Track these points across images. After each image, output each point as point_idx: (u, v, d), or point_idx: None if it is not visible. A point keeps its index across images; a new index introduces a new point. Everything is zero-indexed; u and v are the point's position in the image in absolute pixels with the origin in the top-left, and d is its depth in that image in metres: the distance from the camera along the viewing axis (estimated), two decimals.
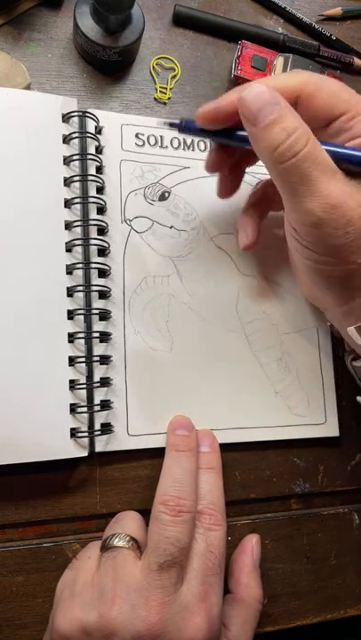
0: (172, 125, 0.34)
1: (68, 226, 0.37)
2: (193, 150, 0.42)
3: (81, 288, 0.37)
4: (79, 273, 0.37)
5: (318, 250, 0.31)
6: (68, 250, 0.37)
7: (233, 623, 0.33)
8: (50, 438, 0.35)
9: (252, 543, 0.38)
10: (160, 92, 0.44)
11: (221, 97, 0.32)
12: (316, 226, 0.29)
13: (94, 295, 0.37)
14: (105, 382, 0.37)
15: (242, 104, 0.29)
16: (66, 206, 0.37)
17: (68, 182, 0.38)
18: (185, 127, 0.34)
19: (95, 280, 0.38)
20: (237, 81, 0.45)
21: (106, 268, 0.38)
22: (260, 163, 0.34)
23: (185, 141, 0.42)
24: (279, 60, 0.45)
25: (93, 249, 0.38)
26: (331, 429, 0.42)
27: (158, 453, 0.37)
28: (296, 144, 0.28)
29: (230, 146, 0.35)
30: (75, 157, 0.38)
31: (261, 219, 0.39)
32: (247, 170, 0.42)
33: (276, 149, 0.28)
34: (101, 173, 0.39)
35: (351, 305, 0.33)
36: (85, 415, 0.36)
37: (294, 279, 0.40)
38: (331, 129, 0.30)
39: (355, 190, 0.29)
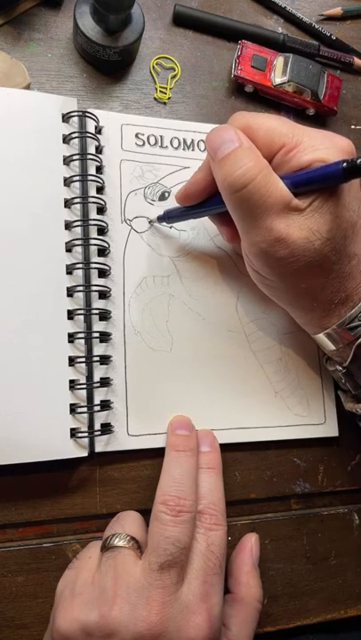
0: (159, 220, 0.39)
1: (68, 226, 0.37)
2: (193, 150, 0.42)
3: (81, 288, 0.37)
4: (79, 273, 0.37)
5: (267, 275, 0.33)
6: (68, 250, 0.37)
7: (233, 623, 0.33)
8: (50, 438, 0.35)
9: (251, 542, 0.38)
10: (160, 91, 0.44)
11: (191, 176, 0.36)
12: (260, 256, 0.32)
13: (94, 295, 0.37)
14: (105, 382, 0.37)
15: (207, 141, 0.32)
16: (66, 206, 0.37)
17: (68, 182, 0.38)
18: (168, 216, 0.39)
19: (95, 280, 0.38)
20: (238, 80, 0.45)
21: (106, 268, 0.38)
22: None
23: (185, 141, 0.42)
24: (279, 60, 0.45)
25: (93, 249, 0.38)
26: (330, 429, 0.42)
27: (158, 453, 0.37)
28: (244, 176, 0.30)
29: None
30: (75, 157, 0.38)
31: None
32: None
33: (226, 179, 0.30)
34: (101, 173, 0.39)
35: (307, 318, 0.35)
36: (85, 415, 0.36)
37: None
38: (273, 164, 0.31)
39: (302, 222, 0.30)
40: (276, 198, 0.30)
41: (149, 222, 0.40)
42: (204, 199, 0.36)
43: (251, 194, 0.30)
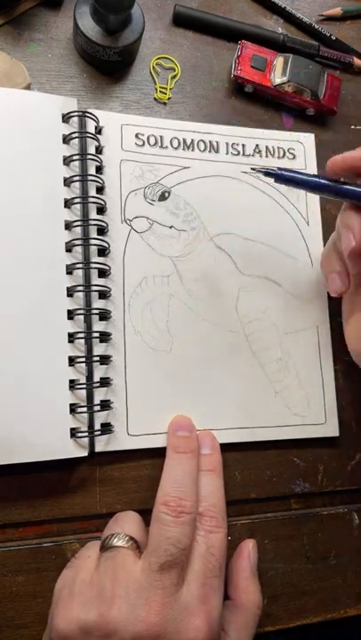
0: (268, 174, 0.35)
1: (68, 226, 0.37)
2: (193, 150, 0.42)
3: (81, 288, 0.37)
4: (79, 273, 0.37)
5: None
6: (68, 250, 0.37)
7: (232, 629, 0.33)
8: (50, 438, 0.35)
9: (248, 548, 0.38)
10: (160, 92, 0.44)
11: (358, 149, 0.33)
12: None
13: (94, 295, 0.37)
14: (105, 382, 0.37)
15: None
16: (66, 206, 0.37)
17: (68, 182, 0.38)
18: (288, 178, 0.34)
19: (95, 280, 0.38)
20: (237, 81, 0.45)
21: (106, 268, 0.38)
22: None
23: (185, 141, 0.42)
24: (279, 60, 0.45)
25: (93, 249, 0.38)
26: (331, 429, 0.42)
27: (158, 453, 0.37)
28: None
29: None
30: (75, 157, 0.38)
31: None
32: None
33: None
34: (101, 173, 0.39)
35: None
36: (85, 415, 0.36)
37: (345, 334, 0.40)
38: None
39: None
40: None
41: (252, 169, 0.36)
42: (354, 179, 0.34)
43: None
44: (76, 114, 0.38)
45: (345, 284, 0.37)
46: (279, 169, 0.35)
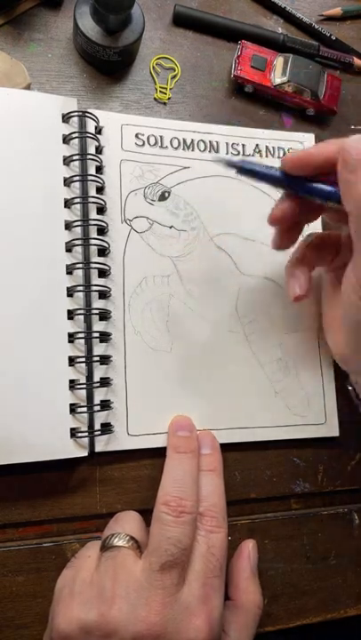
0: (229, 164, 0.34)
1: (68, 226, 0.37)
2: (193, 150, 0.42)
3: (81, 288, 0.37)
4: (79, 273, 0.37)
5: None
6: (68, 250, 0.37)
7: (232, 629, 0.33)
8: (50, 438, 0.35)
9: (248, 549, 0.38)
10: (160, 92, 0.44)
11: (315, 146, 0.33)
12: None
13: (94, 295, 0.37)
14: (105, 382, 0.37)
15: (344, 150, 0.30)
16: (66, 206, 0.37)
17: (67, 182, 0.38)
18: (247, 168, 0.34)
19: (95, 280, 0.38)
20: (237, 81, 0.45)
21: (106, 268, 0.38)
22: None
23: (185, 141, 0.42)
24: (279, 60, 0.45)
25: (93, 249, 0.38)
26: (331, 429, 0.42)
27: (158, 453, 0.37)
28: None
29: (298, 199, 0.35)
30: (75, 157, 0.38)
31: (311, 270, 0.38)
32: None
33: None
34: (101, 173, 0.39)
35: None
36: (85, 415, 0.36)
37: (326, 339, 0.40)
38: None
39: None
40: None
41: (214, 159, 0.35)
42: (309, 180, 0.34)
43: None
44: (76, 114, 0.38)
45: (302, 290, 0.37)
46: (242, 161, 0.34)
